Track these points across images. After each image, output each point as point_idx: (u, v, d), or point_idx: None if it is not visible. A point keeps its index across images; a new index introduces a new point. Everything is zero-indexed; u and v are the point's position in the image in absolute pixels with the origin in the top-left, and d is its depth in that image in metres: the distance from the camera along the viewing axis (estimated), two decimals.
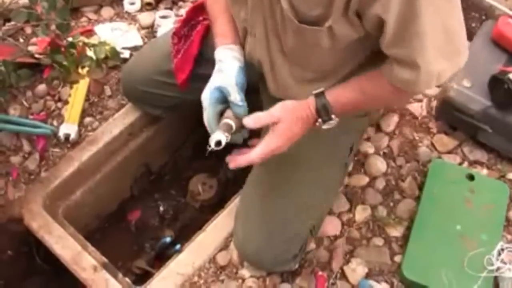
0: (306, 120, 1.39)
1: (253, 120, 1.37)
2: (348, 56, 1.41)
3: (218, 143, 1.32)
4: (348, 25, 1.27)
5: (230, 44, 1.50)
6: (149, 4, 2.20)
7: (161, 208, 2.09)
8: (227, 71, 1.44)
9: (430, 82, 1.30)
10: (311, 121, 1.39)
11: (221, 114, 1.41)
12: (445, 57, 1.27)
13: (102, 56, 1.75)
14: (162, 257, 1.89)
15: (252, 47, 1.50)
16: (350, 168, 1.77)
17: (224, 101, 1.42)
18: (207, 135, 1.38)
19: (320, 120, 1.38)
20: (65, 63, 1.72)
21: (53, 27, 1.70)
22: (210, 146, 1.32)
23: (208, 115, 1.41)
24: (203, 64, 1.62)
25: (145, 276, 1.80)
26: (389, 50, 1.27)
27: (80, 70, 1.76)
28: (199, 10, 1.69)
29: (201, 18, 1.68)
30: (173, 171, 2.19)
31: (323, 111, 1.37)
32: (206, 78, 1.53)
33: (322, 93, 1.37)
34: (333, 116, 1.38)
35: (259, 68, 1.54)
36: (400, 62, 1.27)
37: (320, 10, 1.25)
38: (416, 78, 1.27)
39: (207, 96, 1.42)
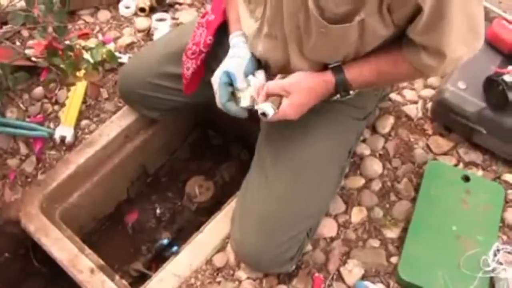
0: (322, 95, 1.44)
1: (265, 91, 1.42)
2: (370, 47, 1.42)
3: (264, 114, 1.41)
4: (380, 20, 1.28)
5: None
6: (142, 10, 2.21)
7: (158, 211, 2.10)
8: (239, 58, 1.50)
9: (450, 67, 1.39)
10: (327, 96, 1.45)
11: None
12: (465, 44, 1.33)
13: (99, 58, 1.75)
14: (159, 259, 1.90)
15: (269, 48, 1.49)
16: (346, 170, 1.78)
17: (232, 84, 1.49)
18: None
19: (338, 96, 1.45)
20: (62, 66, 1.72)
21: (50, 30, 1.70)
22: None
23: (220, 97, 1.49)
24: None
25: (142, 278, 1.80)
26: (419, 37, 1.31)
27: (77, 73, 1.76)
28: None
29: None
30: (169, 174, 2.19)
31: (341, 88, 1.42)
32: (202, 83, 1.54)
33: (340, 68, 1.40)
34: (351, 92, 1.44)
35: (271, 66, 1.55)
36: (427, 49, 1.32)
37: (348, 6, 1.26)
38: (440, 64, 1.34)
39: (217, 80, 1.49)
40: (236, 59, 1.50)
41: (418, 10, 1.24)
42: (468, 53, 1.36)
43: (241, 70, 1.48)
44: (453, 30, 1.27)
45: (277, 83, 1.44)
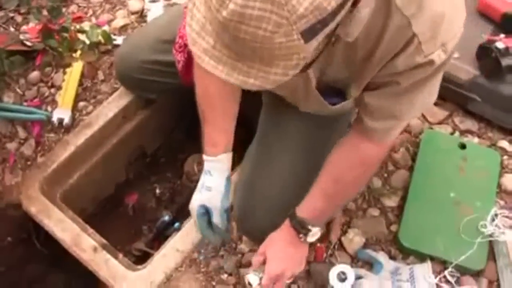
0: (294, 240, 1.42)
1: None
2: None
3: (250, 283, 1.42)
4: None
5: (219, 154, 1.47)
6: None
7: (158, 191, 2.11)
8: (214, 190, 1.46)
9: (397, 133, 1.34)
10: (298, 239, 1.42)
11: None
12: (424, 108, 1.34)
13: (95, 39, 1.76)
14: (161, 238, 1.91)
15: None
16: None
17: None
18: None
19: (301, 235, 1.41)
20: (60, 49, 1.73)
21: (44, 13, 1.71)
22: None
23: (199, 225, 1.49)
24: None
25: (144, 258, 1.80)
26: (377, 101, 1.26)
27: (73, 54, 1.77)
28: None
29: None
30: (168, 153, 2.20)
31: (299, 227, 1.40)
32: None
33: (294, 213, 1.41)
34: (310, 227, 1.40)
35: None
36: (377, 116, 1.28)
37: (346, 75, 1.25)
38: (395, 125, 1.30)
39: (194, 212, 1.49)
40: (212, 191, 1.46)
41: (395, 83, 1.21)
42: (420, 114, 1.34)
43: (218, 205, 1.46)
44: (418, 107, 1.26)
45: (256, 254, 1.45)
